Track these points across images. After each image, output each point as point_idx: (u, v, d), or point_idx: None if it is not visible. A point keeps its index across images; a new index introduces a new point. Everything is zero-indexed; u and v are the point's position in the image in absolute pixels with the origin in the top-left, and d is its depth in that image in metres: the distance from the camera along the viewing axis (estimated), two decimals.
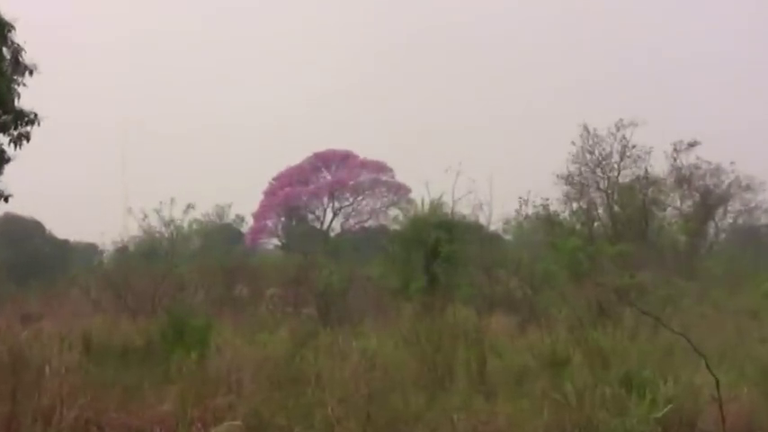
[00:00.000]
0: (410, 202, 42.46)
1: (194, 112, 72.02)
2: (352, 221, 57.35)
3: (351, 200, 57.15)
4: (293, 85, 79.51)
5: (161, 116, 69.32)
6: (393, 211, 52.36)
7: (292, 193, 55.76)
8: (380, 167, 56.57)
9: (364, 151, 57.33)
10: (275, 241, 57.87)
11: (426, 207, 25.91)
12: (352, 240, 45.08)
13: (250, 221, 59.17)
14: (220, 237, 53.91)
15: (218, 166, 70.14)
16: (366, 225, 56.59)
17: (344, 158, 56.82)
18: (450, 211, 25.71)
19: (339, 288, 22.76)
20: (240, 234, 59.51)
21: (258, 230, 57.06)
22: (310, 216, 57.47)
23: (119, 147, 53.70)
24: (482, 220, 27.07)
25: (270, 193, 56.99)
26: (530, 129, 72.14)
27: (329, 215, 57.04)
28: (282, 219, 57.23)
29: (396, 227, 33.52)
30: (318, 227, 56.55)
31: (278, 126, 73.02)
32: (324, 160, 57.26)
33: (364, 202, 57.00)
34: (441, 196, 25.86)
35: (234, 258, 33.15)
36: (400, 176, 56.55)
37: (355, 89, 76.18)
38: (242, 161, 69.73)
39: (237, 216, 61.75)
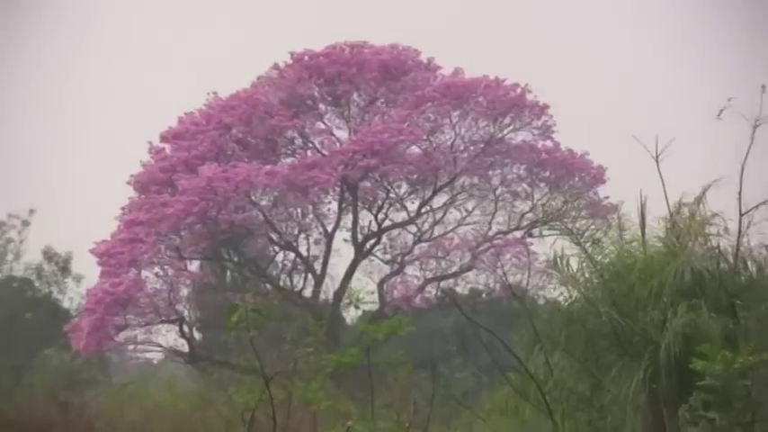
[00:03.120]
0: (604, 214, 34.98)
1: None
2: (414, 279, 48.66)
3: (415, 203, 48.70)
4: None
5: None
6: (553, 243, 46.27)
7: (226, 182, 45.50)
8: (511, 100, 48.37)
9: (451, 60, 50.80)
10: (169, 339, 49.70)
11: (658, 232, 24.56)
12: (414, 340, 36.41)
13: (91, 276, 50.46)
14: None
15: None
16: (459, 287, 48.73)
17: (399, 70, 48.72)
18: (732, 249, 23.34)
19: None
20: (60, 312, 53.54)
21: (111, 304, 46.04)
22: (282, 260, 49.87)
23: None
24: None
25: (150, 184, 47.70)
26: None
27: (344, 252, 49.44)
28: (197, 261, 49.64)
29: (561, 296, 28.43)
30: (306, 294, 48.54)
31: None
32: (325, 77, 48.51)
33: (454, 215, 48.30)
34: (699, 199, 23.60)
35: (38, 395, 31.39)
36: (565, 136, 49.95)
37: None
38: None
39: (49, 256, 55.90)
